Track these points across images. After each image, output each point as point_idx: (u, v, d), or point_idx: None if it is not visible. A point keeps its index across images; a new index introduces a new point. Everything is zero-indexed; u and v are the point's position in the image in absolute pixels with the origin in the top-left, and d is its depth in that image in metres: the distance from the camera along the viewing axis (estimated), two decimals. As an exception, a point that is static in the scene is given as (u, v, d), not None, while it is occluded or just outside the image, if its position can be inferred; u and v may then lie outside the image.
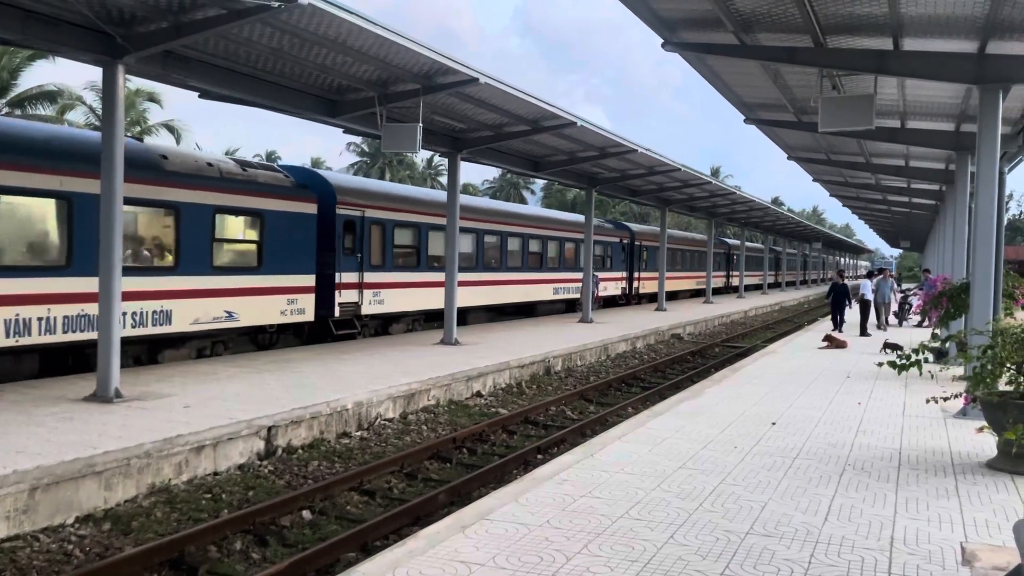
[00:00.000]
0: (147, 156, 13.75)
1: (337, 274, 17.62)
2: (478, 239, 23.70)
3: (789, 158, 22.58)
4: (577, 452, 8.71)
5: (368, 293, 18.38)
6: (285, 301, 16.11)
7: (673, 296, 41.79)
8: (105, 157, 10.53)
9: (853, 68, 11.56)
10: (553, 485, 7.29)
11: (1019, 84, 11.17)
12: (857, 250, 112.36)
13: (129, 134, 34.69)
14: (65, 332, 12.05)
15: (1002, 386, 8.36)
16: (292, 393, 11.21)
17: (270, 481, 8.94)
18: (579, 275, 27.65)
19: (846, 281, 26.50)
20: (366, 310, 18.61)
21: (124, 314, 12.27)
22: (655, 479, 7.52)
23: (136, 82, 33.52)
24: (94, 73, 35.82)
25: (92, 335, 11.65)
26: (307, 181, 17.67)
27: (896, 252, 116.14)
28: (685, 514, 6.48)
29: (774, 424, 10.22)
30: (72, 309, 12.10)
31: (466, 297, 21.85)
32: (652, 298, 37.09)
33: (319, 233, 17.02)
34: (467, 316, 23.41)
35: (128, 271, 12.31)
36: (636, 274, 35.98)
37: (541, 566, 5.35)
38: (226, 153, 48.22)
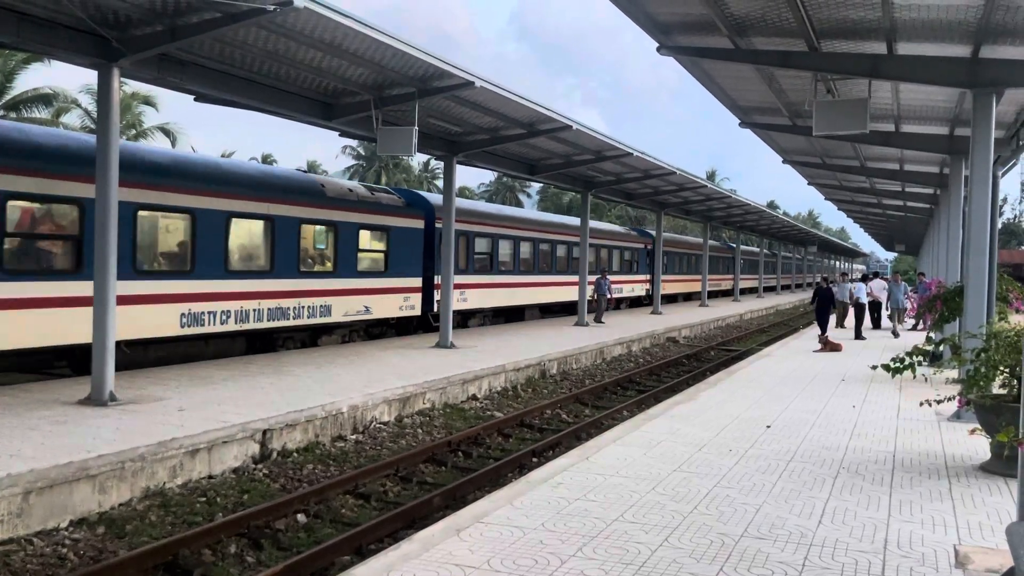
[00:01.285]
0: (313, 185, 17.94)
1: (435, 277, 20.70)
2: (534, 247, 27.18)
3: (784, 162, 22.62)
4: (572, 455, 8.72)
5: (456, 293, 20.94)
6: (402, 299, 20.03)
7: (688, 297, 44.38)
8: (100, 161, 10.52)
9: (847, 72, 11.59)
10: (548, 488, 7.29)
11: (1012, 88, 11.22)
12: (852, 253, 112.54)
13: (124, 137, 34.75)
14: (269, 320, 15.86)
15: (996, 389, 8.39)
16: (287, 396, 11.20)
17: (265, 484, 8.93)
18: (616, 277, 31.76)
19: (831, 286, 24.93)
20: (455, 307, 21.08)
21: (303, 307, 16.75)
22: (650, 482, 7.53)
23: (132, 85, 33.50)
24: (89, 76, 35.86)
25: (285, 323, 16.27)
26: (413, 201, 21.40)
27: (891, 255, 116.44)
28: (680, 517, 6.49)
29: (769, 427, 10.24)
30: (272, 303, 15.94)
31: (524, 296, 26.24)
32: (672, 299, 41.19)
33: (423, 243, 20.79)
34: (524, 312, 27.48)
35: (306, 275, 16.87)
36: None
37: (536, 569, 5.35)
38: (222, 155, 48.17)
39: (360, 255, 18.43)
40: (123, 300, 11.90)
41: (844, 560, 5.61)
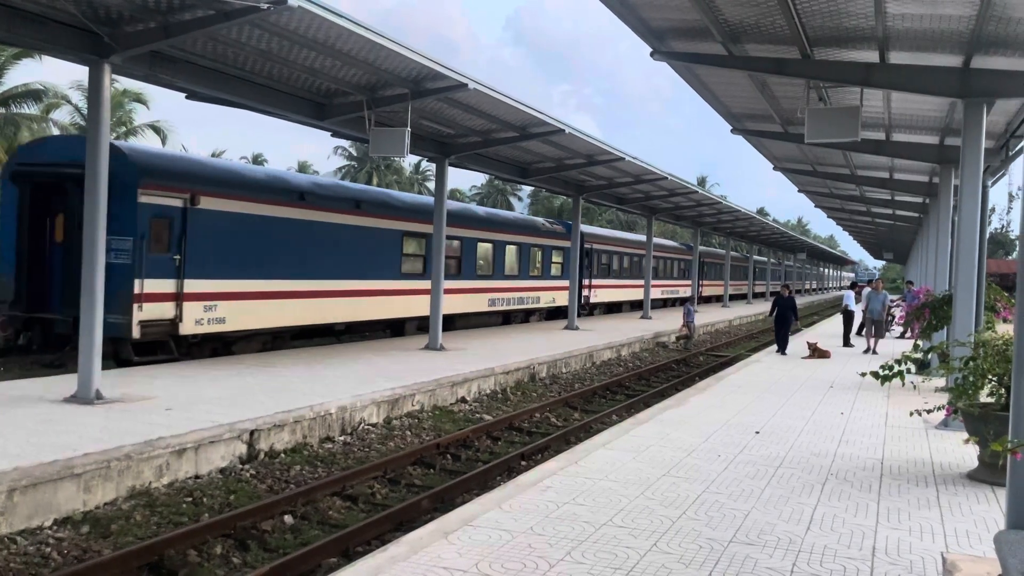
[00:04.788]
0: (533, 222, 29.73)
1: (586, 281, 31.85)
2: (631, 259, 37.81)
3: (775, 169, 22.70)
4: (561, 459, 8.71)
5: (592, 291, 33.03)
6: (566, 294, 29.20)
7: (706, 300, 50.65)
8: (89, 158, 10.46)
9: (840, 80, 11.65)
10: (537, 492, 7.27)
11: (1003, 98, 11.29)
12: (841, 261, 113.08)
13: (114, 134, 34.34)
14: (515, 305, 26.82)
15: (983, 398, 8.42)
16: (275, 397, 11.15)
17: (252, 485, 8.88)
18: (676, 282, 43.97)
19: (793, 294, 22.27)
20: (592, 300, 33.09)
21: (527, 298, 27.62)
22: (639, 487, 7.52)
23: (123, 82, 33.31)
24: (80, 72, 35.59)
25: (520, 307, 27.28)
26: (569, 229, 29.46)
27: (880, 264, 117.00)
28: (668, 522, 6.49)
29: (758, 433, 10.25)
30: (517, 295, 26.78)
31: (625, 294, 37.03)
32: (713, 299, 50.51)
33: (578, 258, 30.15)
34: (622, 306, 37.76)
35: (531, 278, 27.62)
36: (700, 281, 48.20)
37: (524, 573, 5.33)
38: (212, 155, 48.06)
39: (552, 265, 29.27)
40: (466, 291, 23.45)
41: (832, 567, 5.61)
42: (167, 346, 14.43)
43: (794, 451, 9.28)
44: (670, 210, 34.21)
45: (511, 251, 26.25)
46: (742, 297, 57.52)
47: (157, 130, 37.78)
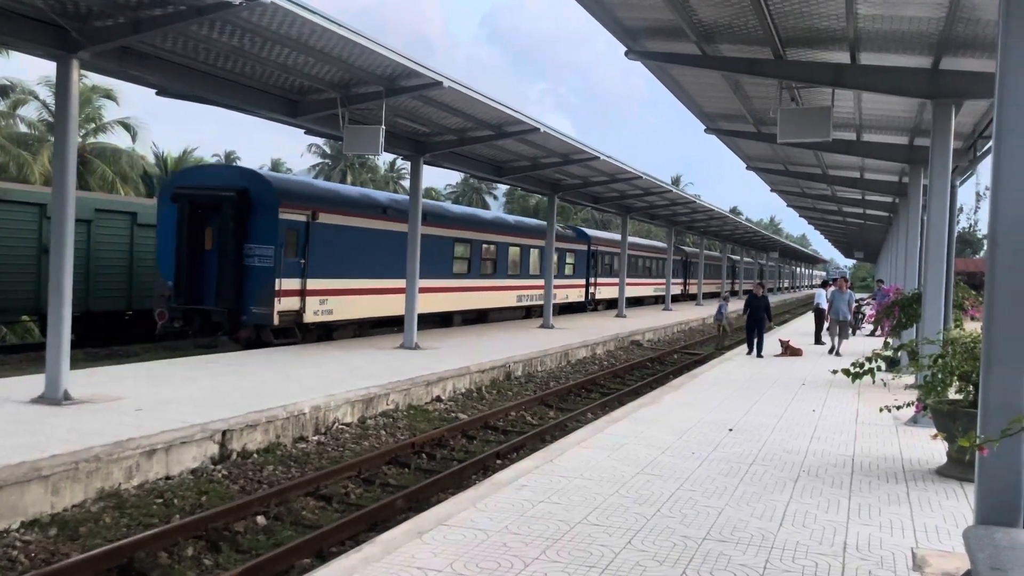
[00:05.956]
0: (544, 228, 29.63)
1: (591, 279, 35.72)
2: (634, 260, 40.47)
3: (748, 168, 22.87)
4: (536, 458, 8.71)
5: (596, 288, 36.61)
6: (578, 291, 34.42)
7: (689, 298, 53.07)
8: (57, 155, 10.29)
9: (811, 80, 11.74)
10: (512, 491, 7.27)
11: (971, 99, 11.44)
12: (813, 260, 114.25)
13: (83, 131, 33.75)
14: (537, 301, 28.95)
15: (952, 394, 8.54)
16: (248, 396, 11.05)
17: (224, 486, 8.78)
18: (651, 280, 45.54)
19: (766, 293, 21.25)
20: (597, 296, 36.64)
21: (543, 296, 27.54)
22: (613, 485, 7.54)
23: (92, 78, 32.85)
24: (48, 67, 35.10)
25: (540, 303, 28.14)
26: (579, 233, 36.18)
27: (850, 262, 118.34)
28: (643, 520, 6.51)
29: (731, 430, 10.32)
30: (538, 292, 28.65)
31: (628, 291, 37.51)
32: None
33: (586, 259, 35.25)
34: (642, 301, 42.70)
35: (540, 278, 29.07)
36: (687, 280, 53.15)
37: (499, 572, 5.32)
38: (184, 152, 47.54)
39: (565, 266, 32.34)
40: (501, 288, 27.21)
41: (804, 563, 5.66)
42: (292, 332, 17.87)
43: (767, 448, 9.35)
44: (645, 209, 34.36)
45: (534, 254, 29.70)
46: (714, 295, 58.07)
47: (127, 127, 37.30)
